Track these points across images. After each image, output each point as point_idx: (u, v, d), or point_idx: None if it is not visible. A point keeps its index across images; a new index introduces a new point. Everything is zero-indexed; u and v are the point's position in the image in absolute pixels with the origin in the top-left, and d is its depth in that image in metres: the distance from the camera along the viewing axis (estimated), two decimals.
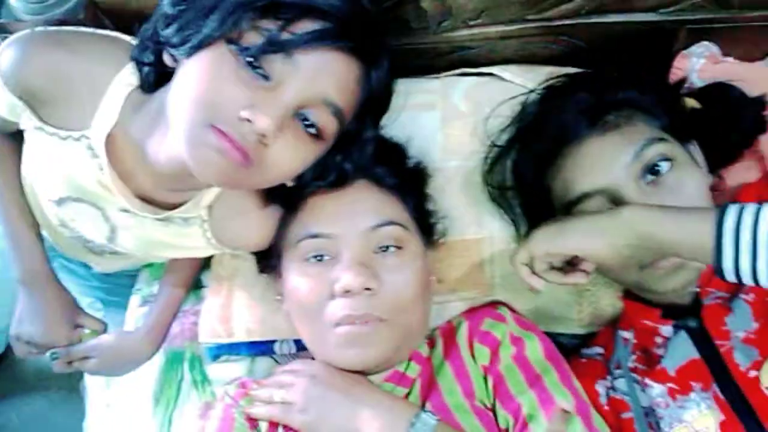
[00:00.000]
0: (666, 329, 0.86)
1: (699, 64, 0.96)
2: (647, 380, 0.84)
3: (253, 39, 0.68)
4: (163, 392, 1.08)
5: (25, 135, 0.85)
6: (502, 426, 0.80)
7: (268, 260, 0.94)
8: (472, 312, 0.92)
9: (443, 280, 0.99)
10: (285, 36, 0.68)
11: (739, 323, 0.78)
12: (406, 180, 0.91)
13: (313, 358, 0.88)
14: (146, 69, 0.77)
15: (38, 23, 0.84)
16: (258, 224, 0.90)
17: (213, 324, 1.06)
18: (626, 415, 0.85)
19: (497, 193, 0.98)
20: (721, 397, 0.76)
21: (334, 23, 0.69)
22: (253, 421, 0.85)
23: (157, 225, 0.87)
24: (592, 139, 0.84)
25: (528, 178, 0.93)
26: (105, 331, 1.02)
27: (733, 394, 0.76)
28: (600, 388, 0.88)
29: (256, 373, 1.06)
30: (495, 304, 0.94)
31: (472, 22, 0.97)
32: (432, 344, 0.90)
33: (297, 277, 0.85)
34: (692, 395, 0.79)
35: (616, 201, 0.81)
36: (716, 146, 0.88)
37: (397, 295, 0.82)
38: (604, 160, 0.83)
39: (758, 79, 0.94)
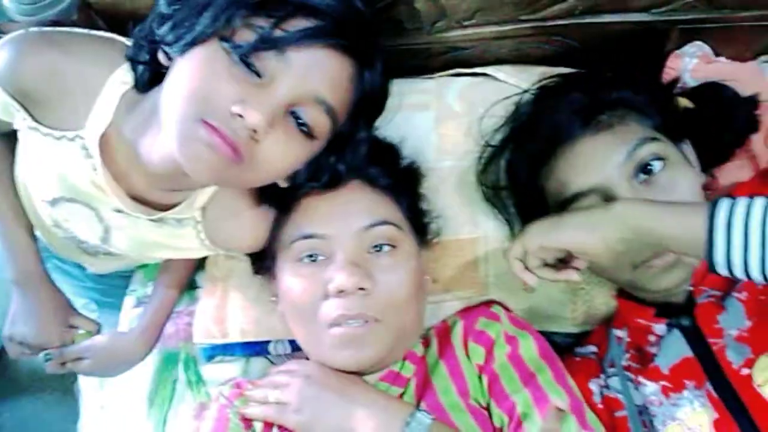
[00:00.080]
0: (659, 328, 0.86)
1: (692, 64, 0.97)
2: (641, 378, 0.84)
3: (245, 36, 0.68)
4: (157, 393, 1.08)
5: (19, 135, 0.85)
6: (497, 424, 0.80)
7: (263, 261, 0.93)
8: (466, 311, 0.92)
9: (438, 280, 0.99)
10: (277, 33, 0.68)
11: (732, 321, 0.79)
12: (400, 180, 0.91)
13: (307, 359, 0.88)
14: (141, 68, 0.77)
15: (32, 24, 0.84)
16: (252, 226, 0.90)
17: (208, 325, 1.06)
18: (620, 414, 0.85)
19: (491, 192, 0.99)
20: (715, 395, 0.76)
21: (326, 21, 0.69)
22: (247, 422, 0.85)
23: (151, 226, 0.87)
24: (585, 138, 0.84)
25: (522, 177, 0.93)
26: (98, 332, 1.02)
27: (726, 392, 0.76)
28: (594, 386, 0.88)
29: (250, 373, 1.06)
30: (489, 303, 0.94)
31: (465, 23, 0.97)
32: (427, 344, 0.90)
33: (291, 278, 0.85)
34: (685, 393, 0.79)
35: (609, 200, 0.81)
36: (709, 145, 0.88)
37: (391, 295, 0.82)
38: (597, 160, 0.83)
39: (750, 78, 0.95)
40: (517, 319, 0.90)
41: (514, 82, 1.02)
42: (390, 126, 0.92)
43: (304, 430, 0.81)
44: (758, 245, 0.63)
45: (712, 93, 0.91)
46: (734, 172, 0.91)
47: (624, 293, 0.93)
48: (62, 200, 0.87)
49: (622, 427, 0.84)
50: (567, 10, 0.95)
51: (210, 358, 1.09)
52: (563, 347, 0.98)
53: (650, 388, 0.83)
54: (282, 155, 0.73)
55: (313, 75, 0.71)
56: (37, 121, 0.80)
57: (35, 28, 0.82)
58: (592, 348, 0.95)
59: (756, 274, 0.64)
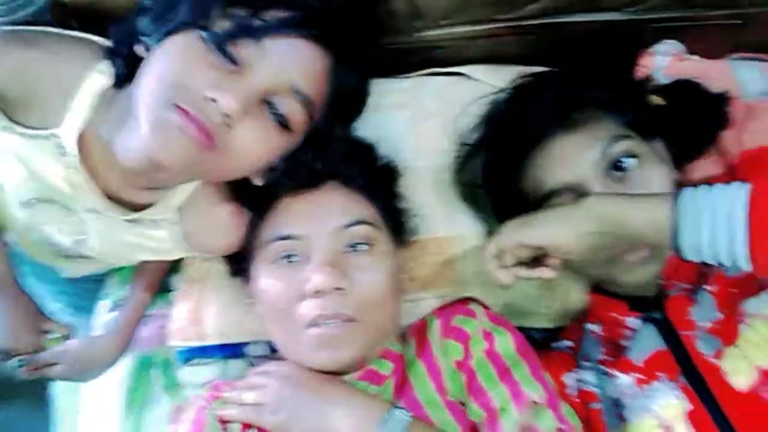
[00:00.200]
0: (632, 321, 0.87)
1: (664, 62, 0.98)
2: (615, 371, 0.85)
3: (223, 25, 0.68)
4: (133, 397, 1.07)
5: None
6: (474, 420, 0.80)
7: (239, 263, 0.93)
8: (443, 309, 0.92)
9: (415, 278, 0.99)
10: (255, 22, 0.68)
11: (703, 314, 0.80)
12: (376, 179, 0.91)
13: (285, 360, 0.87)
14: (119, 61, 0.77)
15: (5, 24, 0.83)
16: (227, 227, 0.89)
17: (184, 327, 1.05)
18: (595, 406, 0.86)
19: (468, 191, 1.00)
20: (687, 386, 0.78)
21: (304, 12, 0.70)
22: (225, 423, 0.84)
23: (126, 226, 0.87)
24: (559, 137, 0.85)
25: (497, 176, 0.94)
26: (71, 336, 1.01)
27: (699, 384, 0.77)
28: (569, 380, 0.89)
29: (228, 375, 1.05)
30: (466, 300, 0.94)
31: (441, 23, 0.98)
32: (404, 342, 0.90)
33: (267, 279, 0.84)
34: (659, 385, 0.80)
35: (583, 197, 0.81)
36: (681, 142, 0.89)
37: (368, 294, 0.82)
38: (571, 158, 0.84)
39: (721, 76, 0.96)
40: (494, 316, 0.90)
41: (489, 82, 1.03)
42: (366, 125, 0.92)
43: (281, 430, 0.80)
44: (725, 227, 0.65)
45: (684, 90, 0.92)
46: (706, 167, 0.92)
47: (597, 288, 0.94)
48: (36, 202, 0.86)
49: (596, 420, 0.85)
50: (541, 10, 0.95)
51: (186, 360, 1.07)
52: (539, 342, 0.99)
53: (624, 380, 0.83)
54: (256, 145, 0.72)
55: (290, 64, 0.71)
56: (11, 120, 0.79)
57: (9, 27, 0.81)
58: (567, 342, 0.96)
59: (724, 257, 0.66)
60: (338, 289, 0.80)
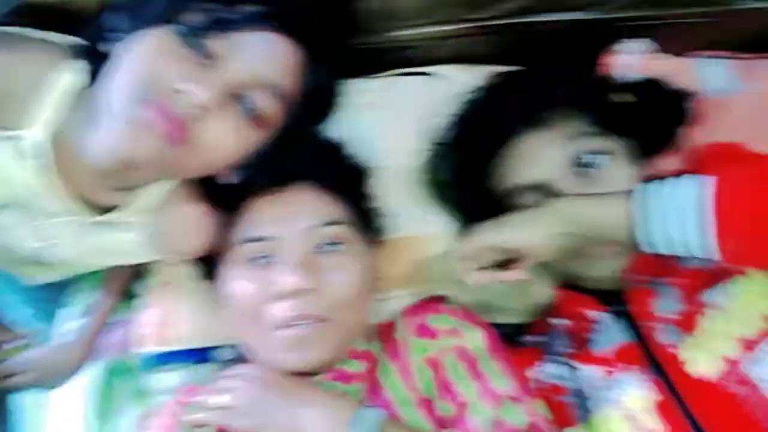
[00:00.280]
0: (597, 314, 0.88)
1: (628, 61, 0.99)
2: (580, 364, 0.86)
3: (195, 19, 0.68)
4: (99, 406, 1.06)
5: None
6: (444, 416, 0.80)
7: (208, 266, 0.92)
8: (414, 307, 0.92)
9: (386, 278, 0.99)
10: (227, 15, 0.68)
11: (664, 306, 0.82)
12: (347, 179, 0.92)
13: (254, 363, 0.86)
14: (90, 60, 0.76)
15: None
16: (196, 231, 0.88)
17: (150, 332, 1.04)
18: (563, 399, 0.87)
19: (438, 190, 1.00)
20: (648, 376, 0.79)
21: (277, 6, 0.70)
22: (195, 428, 0.83)
23: (92, 229, 0.85)
24: (528, 135, 0.86)
25: (467, 175, 0.95)
26: (33, 344, 0.99)
27: (659, 373, 0.79)
28: (537, 374, 0.90)
29: (196, 381, 1.03)
30: (436, 298, 0.95)
31: (411, 23, 0.98)
32: (373, 341, 0.90)
33: (238, 281, 0.84)
34: (625, 377, 0.81)
35: (552, 193, 0.83)
36: (648, 139, 0.90)
37: (339, 294, 0.82)
38: (539, 156, 0.85)
39: (683, 73, 0.99)
40: (464, 313, 0.90)
41: (458, 81, 1.04)
42: (337, 125, 0.93)
43: None
44: (676, 219, 0.67)
45: (651, 88, 0.93)
46: (670, 163, 0.93)
47: (564, 283, 0.95)
48: (1, 207, 0.84)
49: (565, 412, 0.86)
50: (509, 10, 0.96)
51: (153, 366, 1.06)
52: (508, 337, 0.98)
53: (587, 372, 0.85)
54: (227, 139, 0.72)
55: (262, 58, 0.71)
56: None
57: None
58: (536, 337, 0.97)
59: (680, 248, 0.69)
60: (310, 289, 0.79)
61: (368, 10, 0.93)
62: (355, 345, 0.88)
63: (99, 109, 0.72)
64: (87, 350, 1.02)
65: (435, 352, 0.84)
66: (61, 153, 0.78)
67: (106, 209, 0.83)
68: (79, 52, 0.77)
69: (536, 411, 0.80)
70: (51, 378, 1.00)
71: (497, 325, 0.97)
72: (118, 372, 1.08)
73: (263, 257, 0.83)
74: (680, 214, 0.67)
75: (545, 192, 0.84)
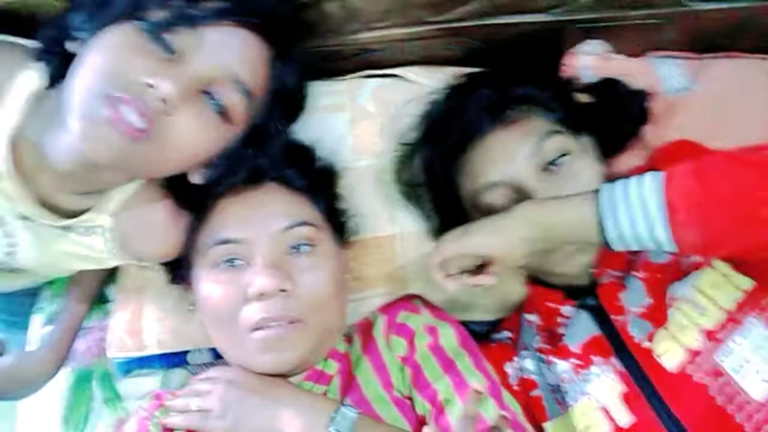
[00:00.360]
0: (567, 309, 0.90)
1: (588, 61, 1.02)
2: (552, 358, 0.87)
3: (159, 15, 0.68)
4: (72, 413, 1.04)
5: None
6: (420, 413, 0.81)
7: (178, 270, 0.92)
8: (387, 306, 0.93)
9: (358, 278, 1.00)
10: (191, 11, 0.68)
11: (633, 299, 0.83)
12: (316, 180, 0.91)
13: (228, 365, 0.86)
14: (51, 60, 0.75)
15: None
16: (165, 234, 0.87)
17: (122, 338, 1.03)
18: (535, 393, 0.89)
19: (408, 189, 1.01)
20: (621, 369, 0.81)
21: (241, 3, 0.70)
22: None
23: (58, 235, 0.84)
24: (494, 133, 0.88)
25: (437, 173, 0.95)
26: (4, 351, 0.97)
27: (632, 366, 0.80)
28: (509, 369, 0.92)
29: (169, 385, 1.04)
30: (409, 297, 0.96)
31: (374, 25, 0.98)
32: (349, 341, 0.91)
33: (209, 285, 0.83)
34: (594, 369, 0.83)
35: (519, 190, 0.85)
36: (607, 137, 0.93)
37: (312, 295, 0.82)
38: (506, 152, 0.86)
39: (642, 73, 1.00)
40: (437, 310, 0.92)
41: (424, 83, 1.05)
42: (305, 128, 0.93)
43: None
44: (642, 215, 0.69)
45: (608, 88, 0.96)
46: (630, 161, 0.96)
47: (533, 279, 0.97)
48: None
49: (537, 406, 0.87)
50: (471, 12, 0.97)
51: (126, 372, 1.06)
52: (480, 334, 1.01)
53: (561, 366, 0.86)
54: (194, 135, 0.72)
55: (227, 53, 0.71)
56: None
57: None
58: (507, 333, 0.99)
59: (648, 242, 0.70)
60: (282, 291, 0.79)
61: (329, 11, 0.94)
62: (335, 345, 0.88)
63: (61, 111, 0.71)
64: (59, 358, 0.99)
65: (411, 350, 0.85)
66: (25, 156, 0.76)
67: (73, 213, 0.82)
68: (39, 55, 0.76)
69: (508, 405, 0.81)
70: (21, 386, 0.97)
71: (469, 322, 1.00)
72: (90, 378, 1.06)
73: (234, 260, 0.82)
74: (644, 209, 0.69)
75: (512, 186, 0.85)
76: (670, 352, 0.78)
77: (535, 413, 0.87)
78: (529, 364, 0.90)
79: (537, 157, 0.85)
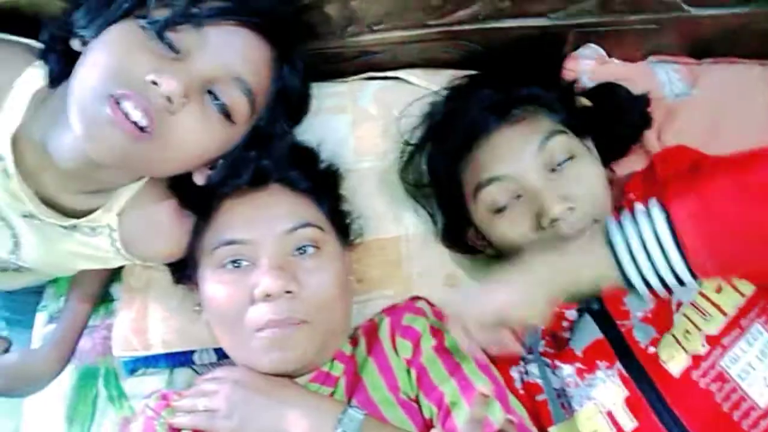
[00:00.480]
0: (571, 313, 0.90)
1: (588, 65, 1.03)
2: (557, 362, 0.87)
3: (162, 13, 0.68)
4: (77, 411, 1.05)
5: None
6: (427, 415, 0.81)
7: (184, 270, 0.92)
8: (392, 308, 0.93)
9: (362, 279, 1.01)
10: (193, 9, 0.68)
11: (637, 304, 0.83)
12: (320, 182, 0.92)
13: (234, 365, 0.87)
14: (54, 59, 0.75)
15: None
16: (170, 234, 0.88)
17: (128, 337, 1.03)
18: (540, 397, 0.88)
19: (414, 189, 1.01)
20: (625, 373, 0.81)
21: (244, 3, 0.71)
22: None
23: (63, 234, 0.84)
24: (501, 130, 0.88)
25: (442, 172, 0.96)
26: (8, 350, 0.97)
27: (635, 371, 0.80)
28: (514, 373, 0.91)
29: (175, 384, 1.05)
30: (414, 299, 0.96)
31: (375, 27, 0.99)
32: (355, 343, 0.91)
33: (215, 285, 0.84)
34: (599, 373, 0.83)
35: (523, 187, 0.85)
36: (607, 141, 0.93)
37: (317, 297, 0.82)
38: (513, 149, 0.86)
39: (642, 78, 1.01)
40: (442, 313, 0.91)
41: (424, 85, 1.05)
42: (307, 129, 0.93)
43: None
44: (658, 250, 0.67)
45: (608, 93, 0.96)
46: (630, 166, 0.97)
47: None
48: None
49: (542, 410, 0.87)
50: (471, 16, 0.98)
51: (132, 371, 1.06)
52: None
53: (566, 370, 0.86)
54: (198, 134, 0.72)
55: (230, 52, 0.71)
56: None
57: None
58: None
59: (670, 279, 0.67)
60: (288, 292, 0.80)
61: (330, 14, 0.94)
62: (340, 347, 0.89)
63: (64, 109, 0.71)
64: (64, 356, 1.00)
65: (416, 352, 0.85)
66: (29, 155, 0.76)
67: (77, 213, 0.82)
68: (43, 54, 0.76)
69: (514, 408, 0.82)
70: (26, 384, 0.98)
71: None
72: (95, 376, 1.07)
73: (240, 260, 0.83)
74: (642, 251, 0.67)
75: (516, 183, 0.85)
76: (675, 358, 0.78)
77: (540, 418, 0.87)
78: (534, 368, 0.90)
79: (542, 155, 0.85)
